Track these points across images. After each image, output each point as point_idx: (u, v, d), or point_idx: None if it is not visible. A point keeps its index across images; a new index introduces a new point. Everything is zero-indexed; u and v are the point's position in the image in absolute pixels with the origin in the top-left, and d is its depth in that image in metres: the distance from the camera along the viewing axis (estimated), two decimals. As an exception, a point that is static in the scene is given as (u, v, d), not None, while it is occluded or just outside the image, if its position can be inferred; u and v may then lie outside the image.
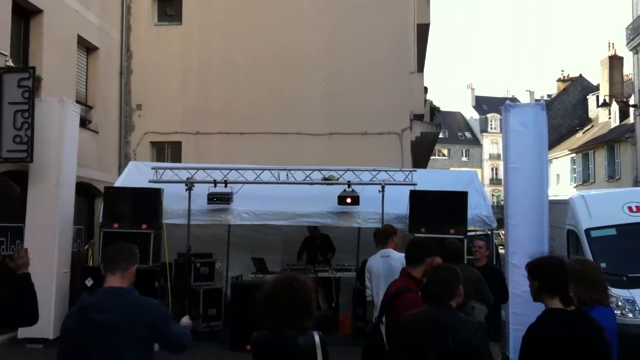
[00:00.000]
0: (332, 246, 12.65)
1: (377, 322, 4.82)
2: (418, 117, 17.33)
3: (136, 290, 3.61)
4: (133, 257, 3.71)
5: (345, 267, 12.20)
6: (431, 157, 27.42)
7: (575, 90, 49.61)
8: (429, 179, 11.75)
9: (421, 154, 19.75)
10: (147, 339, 3.52)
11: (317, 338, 3.46)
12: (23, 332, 10.68)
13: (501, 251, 14.79)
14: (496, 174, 75.27)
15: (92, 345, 3.42)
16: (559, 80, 52.54)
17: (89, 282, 10.38)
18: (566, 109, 48.70)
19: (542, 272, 3.69)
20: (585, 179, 39.28)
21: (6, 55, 11.36)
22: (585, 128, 43.97)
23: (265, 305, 3.54)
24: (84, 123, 14.33)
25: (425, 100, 19.99)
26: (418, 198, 10.62)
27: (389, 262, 6.90)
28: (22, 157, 10.89)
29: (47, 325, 10.59)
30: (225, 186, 11.34)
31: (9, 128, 10.86)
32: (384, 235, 7.32)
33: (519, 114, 10.47)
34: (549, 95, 61.68)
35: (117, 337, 3.41)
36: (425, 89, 20.32)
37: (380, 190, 11.01)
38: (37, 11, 12.86)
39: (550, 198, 10.48)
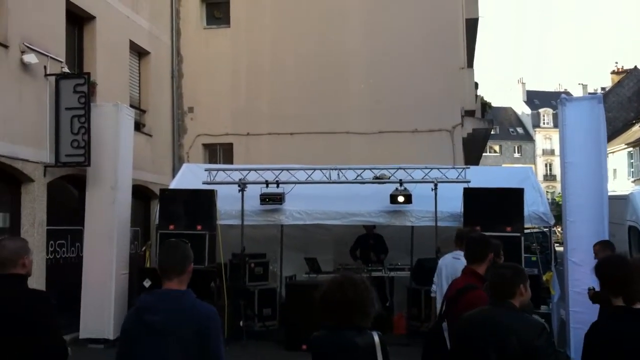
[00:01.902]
0: (385, 247, 12.55)
1: (439, 321, 4.74)
2: (469, 114, 17.09)
3: (193, 294, 3.54)
4: (187, 257, 3.62)
5: (398, 267, 12.11)
6: (483, 154, 27.02)
7: (631, 82, 48.24)
8: (483, 176, 11.53)
9: (473, 151, 19.47)
10: (195, 344, 3.41)
11: (376, 338, 3.42)
12: (84, 333, 10.95)
13: (559, 249, 14.48)
14: (550, 170, 73.89)
15: (143, 346, 3.40)
16: (613, 72, 51.17)
17: (146, 283, 10.56)
18: (621, 102, 47.41)
19: (604, 270, 3.61)
20: (644, 173, 38.18)
21: (61, 62, 11.62)
22: (642, 121, 42.71)
23: (322, 306, 3.53)
24: (138, 127, 14.58)
25: (476, 95, 19.69)
26: (472, 196, 10.44)
27: (457, 263, 6.67)
28: (79, 161, 11.13)
29: (107, 325, 10.87)
30: (277, 186, 11.39)
31: (67, 133, 11.13)
32: (458, 238, 7.14)
33: (575, 108, 10.24)
34: (602, 88, 60.19)
35: (167, 340, 3.36)
36: (476, 85, 20.01)
37: (433, 188, 10.87)
38: (90, 18, 13.11)
39: (608, 193, 10.20)
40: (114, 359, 3.56)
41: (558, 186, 54.50)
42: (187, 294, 3.52)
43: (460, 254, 6.59)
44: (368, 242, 12.57)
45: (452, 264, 6.94)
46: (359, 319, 3.43)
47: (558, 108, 10.53)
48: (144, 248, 13.00)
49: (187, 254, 3.64)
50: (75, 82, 11.29)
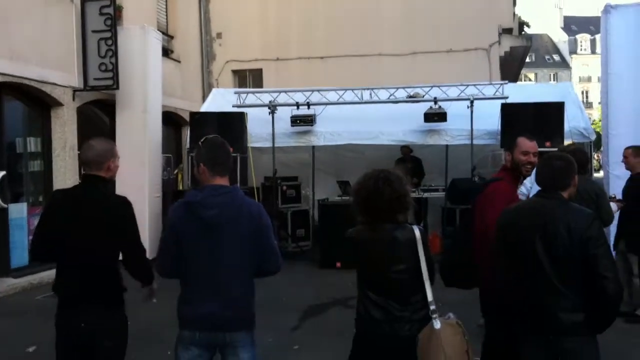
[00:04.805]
0: (423, 171, 12.31)
1: (469, 216, 4.54)
2: (506, 31, 16.45)
3: (241, 190, 3.47)
4: (231, 154, 3.57)
5: (432, 188, 11.91)
6: (517, 82, 26.25)
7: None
8: (521, 93, 11.15)
9: (510, 72, 18.84)
10: (250, 238, 3.36)
11: (417, 232, 3.33)
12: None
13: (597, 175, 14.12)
14: (587, 97, 72.19)
15: (196, 240, 3.31)
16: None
17: (180, 206, 10.54)
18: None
19: None
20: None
21: (87, -16, 11.36)
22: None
23: (360, 201, 3.37)
24: (167, 53, 14.37)
25: (514, 13, 18.89)
26: (510, 111, 10.06)
27: None
28: (108, 84, 10.99)
29: (142, 247, 10.94)
30: (308, 108, 11.21)
31: (94, 56, 10.97)
32: None
33: (621, 15, 9.73)
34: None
35: (222, 234, 3.31)
36: (514, 1, 19.18)
37: (469, 105, 10.55)
38: (115, -61, 12.74)
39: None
40: (161, 261, 3.41)
41: (594, 113, 53.36)
42: (237, 190, 3.45)
43: None
44: (406, 165, 12.35)
45: None
46: (400, 212, 3.34)
47: (601, 17, 9.99)
48: (176, 171, 13.02)
49: (230, 151, 3.55)
50: (100, 4, 11.04)
